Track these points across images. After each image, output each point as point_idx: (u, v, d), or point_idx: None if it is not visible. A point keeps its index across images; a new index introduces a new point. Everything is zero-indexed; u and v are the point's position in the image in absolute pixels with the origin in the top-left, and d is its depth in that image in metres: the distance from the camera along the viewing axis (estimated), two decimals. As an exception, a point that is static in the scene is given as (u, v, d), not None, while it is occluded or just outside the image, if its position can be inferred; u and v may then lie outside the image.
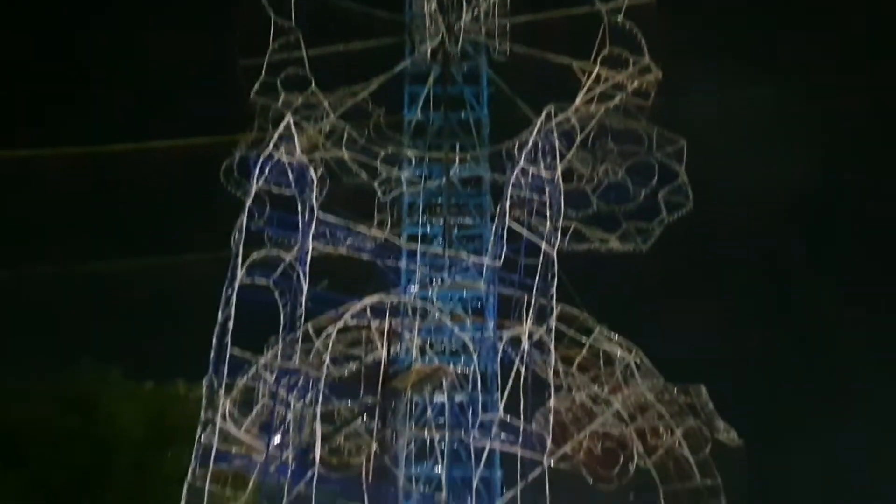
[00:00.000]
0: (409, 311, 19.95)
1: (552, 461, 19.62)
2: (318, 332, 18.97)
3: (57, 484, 22.10)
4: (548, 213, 19.20)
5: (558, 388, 20.95)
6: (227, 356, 16.79)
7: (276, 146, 17.98)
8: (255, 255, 17.32)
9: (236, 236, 17.54)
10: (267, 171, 17.86)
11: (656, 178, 22.46)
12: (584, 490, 21.40)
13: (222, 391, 17.01)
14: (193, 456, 16.83)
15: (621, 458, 21.32)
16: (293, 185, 18.09)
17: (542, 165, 19.16)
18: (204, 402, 17.12)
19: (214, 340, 17.27)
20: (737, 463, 20.84)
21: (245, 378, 19.81)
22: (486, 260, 19.50)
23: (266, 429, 18.20)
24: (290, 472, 16.97)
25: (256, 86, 22.01)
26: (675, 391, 20.71)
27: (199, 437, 16.86)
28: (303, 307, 17.28)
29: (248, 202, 17.60)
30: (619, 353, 20.41)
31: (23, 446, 22.77)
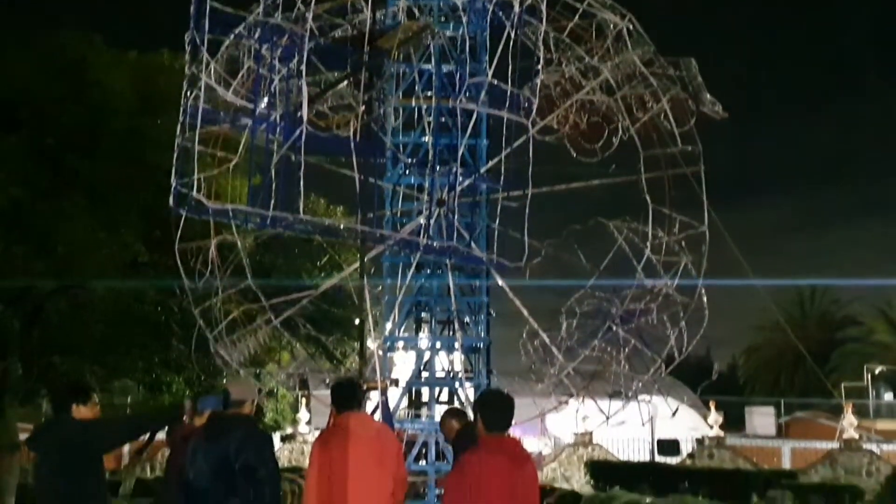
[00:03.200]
0: (396, -29, 19.06)
1: (536, 131, 19.90)
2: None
3: (51, 146, 22.51)
4: None
5: (549, 61, 20.71)
6: (207, 9, 16.24)
7: None
8: None
9: None
10: None
11: None
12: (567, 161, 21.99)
13: (205, 47, 16.71)
14: (181, 112, 16.89)
15: (605, 132, 21.63)
16: None
17: None
18: (187, 57, 16.83)
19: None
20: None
21: (228, 44, 19.45)
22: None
23: (253, 92, 18.12)
24: (278, 130, 17.12)
25: None
26: (666, 63, 20.49)
27: (185, 91, 16.81)
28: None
29: None
30: (610, 21, 19.84)
31: (14, 111, 22.88)
